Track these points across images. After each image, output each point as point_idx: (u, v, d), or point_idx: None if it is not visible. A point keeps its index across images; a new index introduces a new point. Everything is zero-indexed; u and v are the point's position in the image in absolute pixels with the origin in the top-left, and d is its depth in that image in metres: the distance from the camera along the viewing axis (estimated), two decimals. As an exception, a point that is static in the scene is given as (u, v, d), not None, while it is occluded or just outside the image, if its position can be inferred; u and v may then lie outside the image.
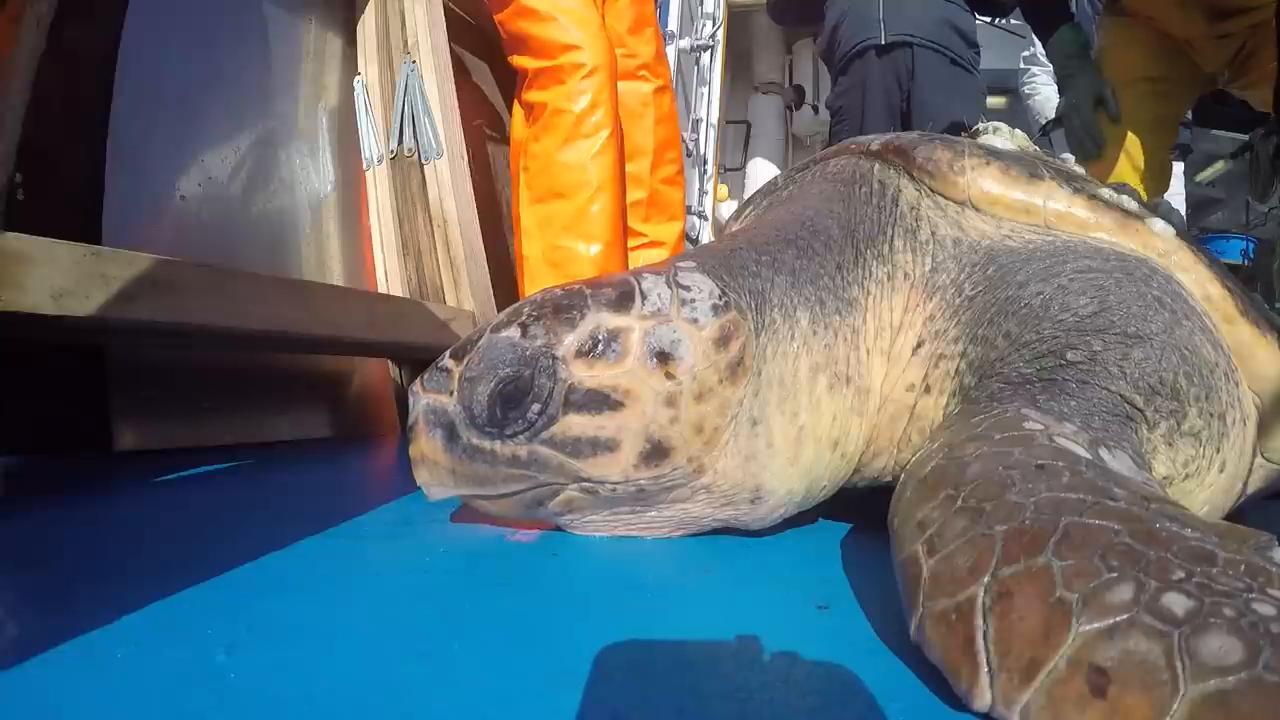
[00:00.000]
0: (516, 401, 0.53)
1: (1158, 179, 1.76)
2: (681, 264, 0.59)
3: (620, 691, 0.35)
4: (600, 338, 0.53)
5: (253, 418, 1.24)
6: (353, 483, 1.00)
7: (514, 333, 0.54)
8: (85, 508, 0.71)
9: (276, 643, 0.39)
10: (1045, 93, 3.05)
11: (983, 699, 0.33)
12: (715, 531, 0.63)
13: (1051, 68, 3.03)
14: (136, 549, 0.58)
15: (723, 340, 0.55)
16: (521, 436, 0.53)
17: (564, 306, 0.54)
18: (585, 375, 0.53)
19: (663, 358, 0.53)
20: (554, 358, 0.53)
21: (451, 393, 0.55)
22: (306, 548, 0.57)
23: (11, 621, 0.42)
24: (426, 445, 0.55)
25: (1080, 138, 1.75)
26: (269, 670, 0.36)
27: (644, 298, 0.55)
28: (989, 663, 0.33)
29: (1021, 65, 3.15)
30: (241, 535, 0.62)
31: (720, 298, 0.56)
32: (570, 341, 0.53)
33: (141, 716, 0.32)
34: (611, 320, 0.54)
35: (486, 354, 0.54)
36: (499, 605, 0.46)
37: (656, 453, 0.53)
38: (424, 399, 0.56)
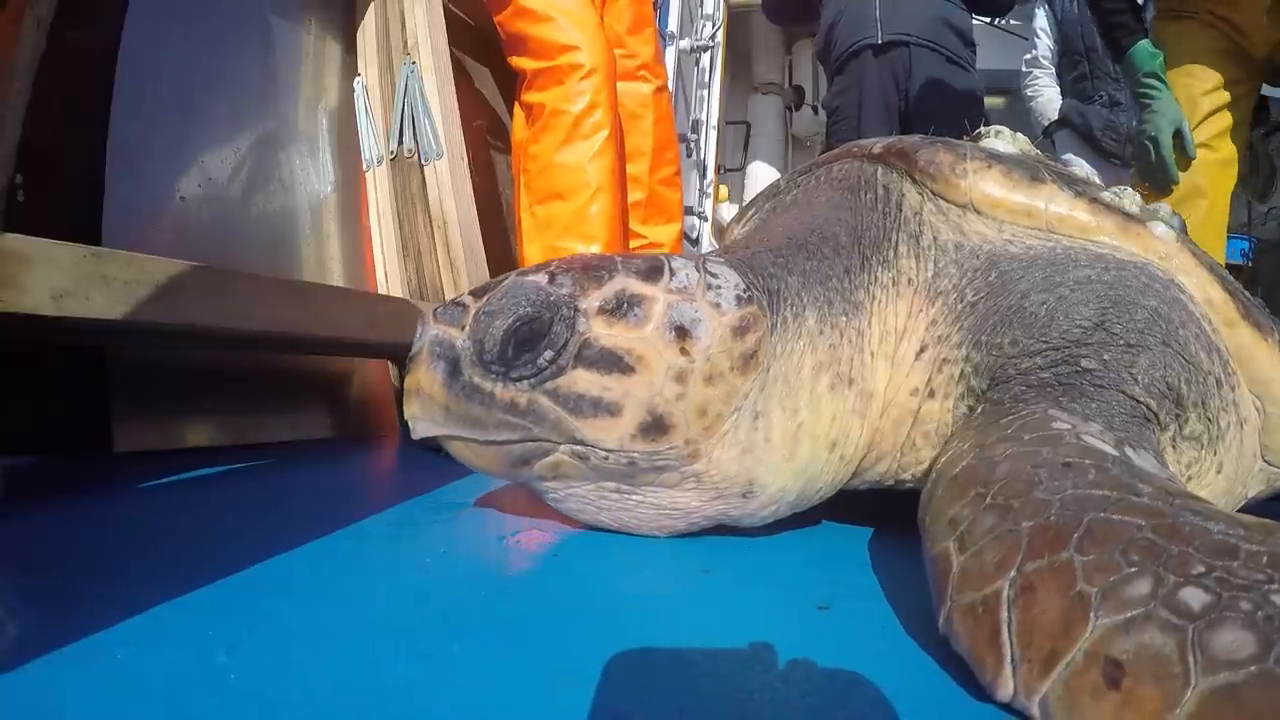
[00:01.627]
0: (530, 344, 0.52)
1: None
2: (710, 256, 0.60)
3: (621, 692, 0.35)
4: (625, 300, 0.54)
5: (253, 419, 1.24)
6: (353, 484, 1.00)
7: (541, 278, 0.54)
8: (85, 508, 0.71)
9: (277, 644, 0.39)
10: (1047, 94, 3.05)
11: (1006, 689, 0.34)
12: (715, 531, 0.63)
13: (1053, 70, 3.04)
14: (136, 549, 0.58)
15: (741, 330, 0.55)
16: (526, 382, 0.53)
17: (594, 266, 0.55)
18: (603, 333, 0.53)
19: (681, 333, 0.54)
20: (576, 309, 0.53)
21: (463, 327, 0.54)
22: (307, 549, 0.57)
23: (12, 622, 0.41)
24: (426, 377, 0.54)
25: (1157, 171, 1.71)
26: (270, 671, 0.36)
27: (672, 274, 0.56)
28: (1012, 654, 0.34)
29: (1023, 68, 3.15)
30: (242, 536, 0.62)
31: (745, 291, 0.57)
32: (595, 297, 0.53)
33: (141, 717, 0.32)
34: (638, 287, 0.54)
35: (510, 292, 0.54)
36: (500, 606, 0.46)
37: (656, 427, 0.53)
38: (434, 329, 0.55)
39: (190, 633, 0.40)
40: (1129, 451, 0.48)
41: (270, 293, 1.02)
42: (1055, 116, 2.98)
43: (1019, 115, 3.22)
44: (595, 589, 0.51)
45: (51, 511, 0.68)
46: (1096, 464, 0.43)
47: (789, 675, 0.37)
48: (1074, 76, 2.97)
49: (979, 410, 0.59)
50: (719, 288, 0.56)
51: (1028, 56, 3.13)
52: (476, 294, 0.55)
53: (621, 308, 0.53)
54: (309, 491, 0.88)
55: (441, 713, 0.33)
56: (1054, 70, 3.06)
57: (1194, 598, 0.32)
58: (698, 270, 0.57)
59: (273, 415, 1.29)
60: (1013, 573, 0.37)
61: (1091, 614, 0.33)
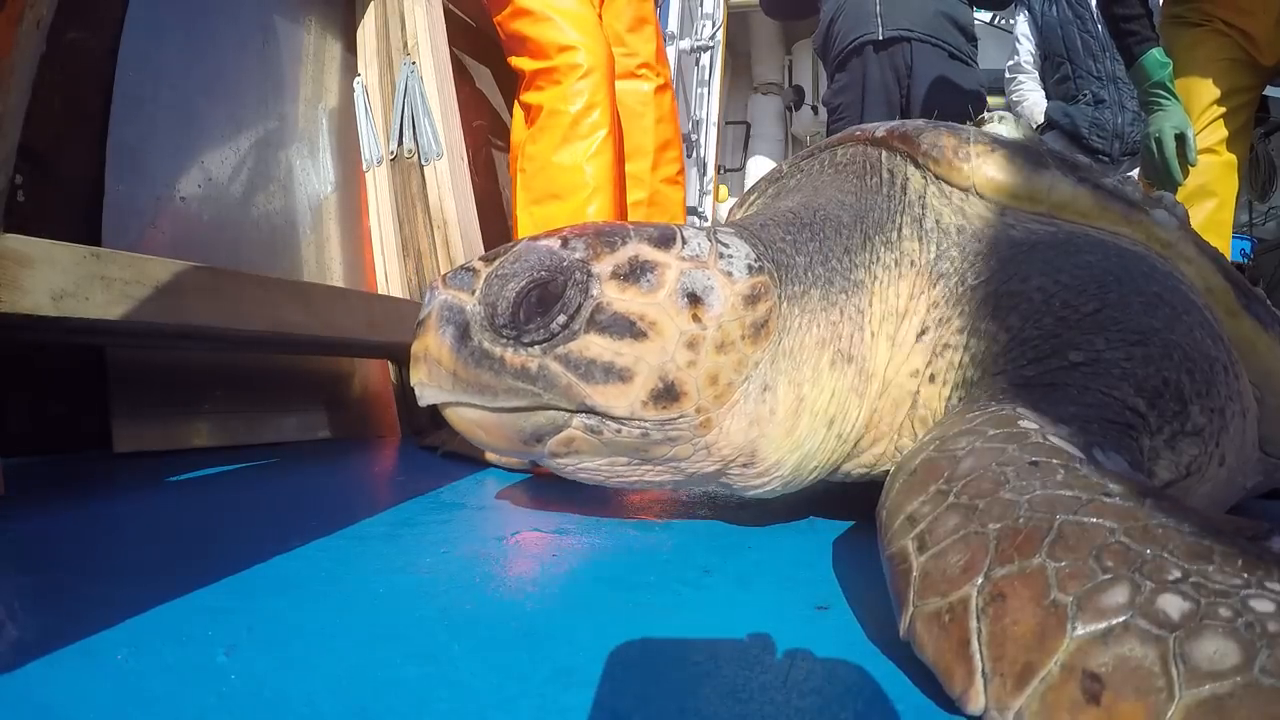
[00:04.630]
0: (543, 308, 0.52)
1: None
2: (721, 228, 0.60)
3: (621, 691, 0.35)
4: (638, 265, 0.54)
5: (253, 419, 1.24)
6: (353, 484, 1.00)
7: (554, 242, 0.54)
8: (85, 508, 0.71)
9: (277, 643, 0.39)
10: (1032, 99, 3.06)
11: (976, 702, 0.32)
12: (715, 531, 0.63)
13: (1036, 74, 3.05)
14: (136, 549, 0.58)
15: (752, 298, 0.56)
16: (537, 347, 0.52)
17: (606, 232, 0.55)
18: (616, 297, 0.53)
19: (693, 300, 0.54)
20: (589, 273, 0.53)
21: (474, 291, 0.53)
22: (307, 548, 0.57)
23: (12, 622, 0.41)
24: (434, 341, 0.53)
25: (1160, 173, 1.76)
26: (270, 671, 0.36)
27: (685, 243, 0.56)
28: (983, 666, 0.33)
29: (1007, 74, 3.14)
30: (242, 536, 0.62)
31: (755, 260, 0.57)
32: (608, 261, 0.53)
33: (142, 717, 0.32)
34: (651, 253, 0.54)
35: (523, 256, 0.54)
36: (499, 606, 0.46)
37: (667, 394, 0.53)
38: (443, 294, 0.54)
39: (190, 633, 0.40)
40: (1098, 454, 0.46)
41: (270, 293, 1.02)
42: (1041, 120, 2.98)
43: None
44: (595, 588, 0.51)
45: (51, 511, 0.69)
46: (1065, 464, 0.42)
47: (789, 675, 0.37)
48: (1057, 78, 2.97)
49: (956, 404, 0.58)
50: (731, 256, 0.56)
51: (1010, 63, 3.13)
52: (487, 259, 0.55)
53: (635, 273, 0.53)
54: (309, 491, 0.88)
55: (441, 712, 0.33)
56: (1037, 74, 3.06)
57: (1173, 605, 0.31)
58: (709, 240, 0.57)
59: (273, 415, 1.29)
60: (980, 578, 0.35)
61: (1068, 625, 0.32)
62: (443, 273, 0.56)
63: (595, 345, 0.52)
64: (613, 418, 0.53)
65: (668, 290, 0.53)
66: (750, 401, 0.56)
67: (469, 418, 0.55)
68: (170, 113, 1.21)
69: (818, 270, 0.62)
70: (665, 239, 0.55)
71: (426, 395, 0.55)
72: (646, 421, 0.53)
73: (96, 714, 0.32)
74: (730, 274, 0.55)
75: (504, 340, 0.53)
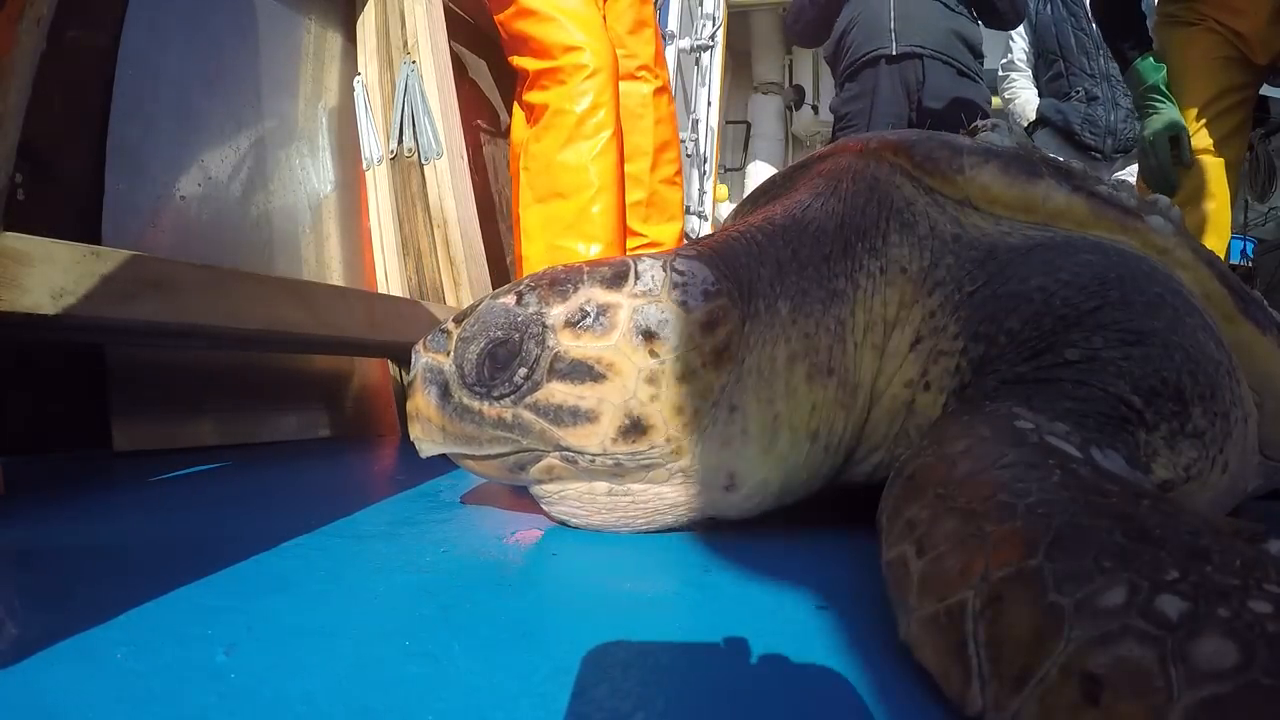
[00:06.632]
0: (505, 364, 0.55)
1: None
2: (682, 252, 0.61)
3: (620, 691, 0.35)
4: (590, 310, 0.55)
5: (253, 418, 1.24)
6: (353, 482, 1.00)
7: (510, 300, 0.57)
8: (85, 508, 0.71)
9: (276, 643, 0.39)
10: (1025, 96, 3.06)
11: (974, 705, 0.32)
12: (715, 531, 0.63)
13: (1029, 72, 3.06)
14: (135, 549, 0.58)
15: (710, 325, 0.56)
16: (507, 399, 0.55)
17: (560, 280, 0.57)
18: (571, 345, 0.54)
19: (648, 336, 0.54)
20: (544, 325, 0.55)
21: (448, 353, 0.57)
22: (307, 547, 0.57)
23: (11, 621, 0.41)
24: (421, 401, 0.58)
25: (1156, 175, 1.79)
26: (269, 670, 0.36)
27: (638, 278, 0.56)
28: (980, 668, 0.33)
29: (1000, 72, 3.15)
30: (241, 535, 0.62)
31: (713, 284, 0.57)
32: (560, 311, 0.55)
33: (141, 716, 0.32)
34: (603, 295, 0.55)
35: (482, 317, 0.57)
36: (499, 605, 0.46)
37: (635, 429, 0.54)
38: (424, 358, 0.58)
39: (189, 632, 0.40)
40: (1095, 453, 0.46)
41: (270, 292, 1.02)
42: (1034, 117, 2.99)
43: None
44: (595, 588, 0.51)
45: (51, 511, 0.68)
46: (1061, 465, 0.41)
47: (788, 675, 0.37)
48: (1050, 75, 2.98)
49: (953, 407, 0.58)
50: (685, 285, 0.57)
51: (1004, 60, 3.14)
52: (458, 319, 0.58)
53: (586, 318, 0.55)
54: (308, 490, 0.88)
55: (440, 712, 0.33)
56: (1030, 72, 3.07)
57: (1171, 606, 0.31)
58: (664, 270, 0.57)
59: (272, 414, 1.29)
60: (977, 581, 0.35)
61: (1065, 626, 0.31)
62: (424, 338, 0.60)
63: (559, 392, 0.54)
64: (587, 454, 0.55)
65: (621, 330, 0.54)
66: (719, 424, 0.57)
67: (465, 464, 0.61)
68: (170, 111, 1.21)
69: (789, 280, 0.62)
70: (618, 277, 0.56)
71: (424, 449, 0.60)
72: (619, 454, 0.55)
73: (95, 713, 0.32)
74: (685, 303, 0.56)
75: (478, 395, 0.56)
